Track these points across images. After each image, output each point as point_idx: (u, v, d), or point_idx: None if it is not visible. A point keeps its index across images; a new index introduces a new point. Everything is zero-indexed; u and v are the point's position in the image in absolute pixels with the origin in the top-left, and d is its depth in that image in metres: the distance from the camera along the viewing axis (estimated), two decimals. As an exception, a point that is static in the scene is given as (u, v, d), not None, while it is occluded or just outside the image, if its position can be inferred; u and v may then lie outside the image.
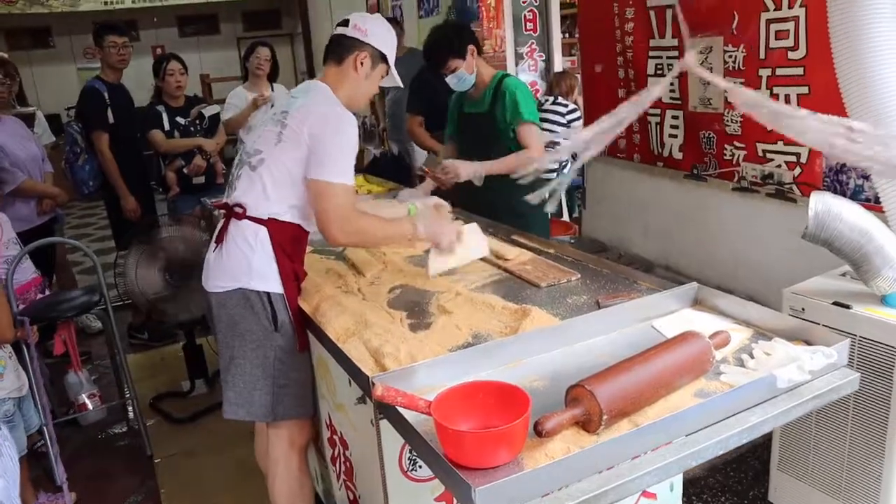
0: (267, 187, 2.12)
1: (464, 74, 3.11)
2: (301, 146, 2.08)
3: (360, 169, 5.96)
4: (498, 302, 2.09)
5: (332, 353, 1.91)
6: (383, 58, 2.25)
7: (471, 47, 3.10)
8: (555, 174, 5.45)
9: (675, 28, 3.47)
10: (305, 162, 2.08)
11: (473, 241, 2.43)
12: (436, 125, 3.87)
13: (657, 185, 3.72)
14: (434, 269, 2.34)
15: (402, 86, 2.40)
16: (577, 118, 5.44)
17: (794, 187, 2.98)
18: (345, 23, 2.26)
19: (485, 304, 2.09)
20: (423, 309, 2.12)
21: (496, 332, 1.90)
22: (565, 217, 5.72)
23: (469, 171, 3.03)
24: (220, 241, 2.17)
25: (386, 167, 5.33)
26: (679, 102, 3.49)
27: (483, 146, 3.16)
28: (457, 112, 3.34)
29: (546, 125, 5.50)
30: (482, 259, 2.57)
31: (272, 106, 2.26)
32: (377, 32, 2.24)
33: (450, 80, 3.13)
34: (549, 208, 2.88)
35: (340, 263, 2.65)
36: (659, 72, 3.60)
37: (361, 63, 2.22)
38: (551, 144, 5.41)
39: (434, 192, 3.23)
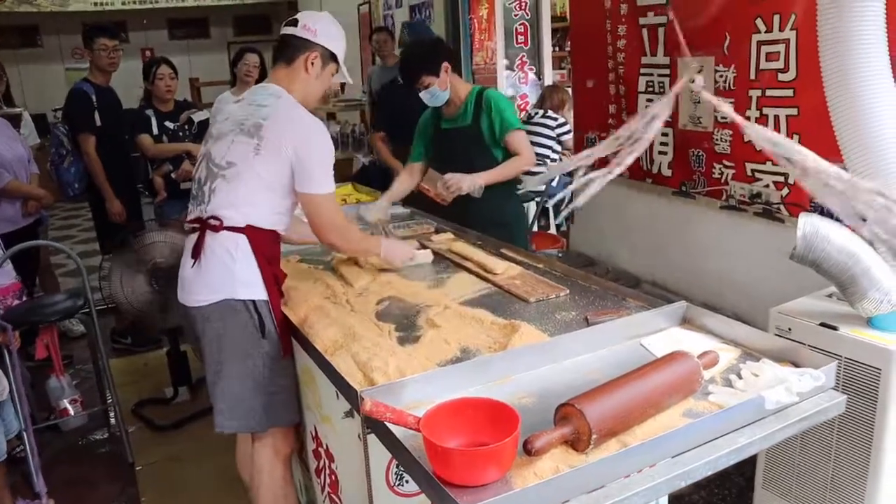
0: (244, 197, 2.14)
1: (437, 91, 3.15)
2: (282, 158, 2.12)
3: (348, 177, 5.97)
4: (487, 317, 2.10)
5: (320, 365, 1.90)
6: (333, 57, 2.30)
7: (445, 64, 3.14)
8: (543, 186, 5.49)
9: (667, 46, 3.49)
10: (288, 173, 2.14)
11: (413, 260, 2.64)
12: (403, 140, 3.88)
13: (646, 201, 3.74)
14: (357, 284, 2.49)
15: (350, 81, 2.48)
16: (567, 132, 5.47)
17: (782, 207, 3.00)
18: (293, 23, 2.27)
19: (474, 318, 2.09)
20: (412, 322, 2.12)
21: (485, 348, 1.90)
22: (552, 230, 5.74)
23: (470, 183, 3.06)
24: (196, 255, 2.17)
25: (375, 176, 5.33)
26: (669, 120, 3.52)
27: (467, 160, 3.19)
28: (432, 129, 3.36)
29: (535, 138, 5.53)
30: (471, 272, 2.58)
31: (227, 114, 2.29)
32: (326, 32, 2.27)
33: (423, 95, 3.17)
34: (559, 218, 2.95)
35: (329, 273, 2.64)
36: (650, 89, 3.62)
37: (312, 63, 2.25)
38: (539, 158, 5.50)
39: (419, 206, 3.29)
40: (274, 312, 2.16)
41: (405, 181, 3.47)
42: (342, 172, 7.15)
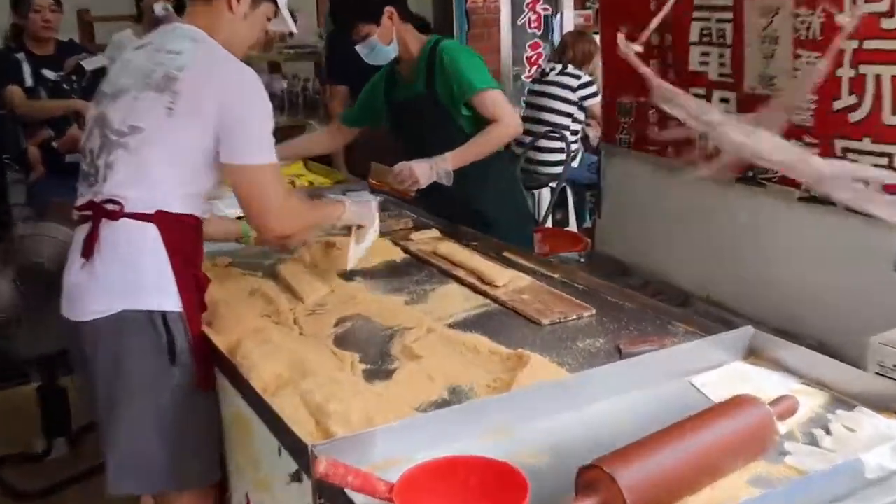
0: (154, 173, 2.14)
1: (377, 45, 3.17)
2: (203, 119, 2.12)
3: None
4: (484, 344, 2.10)
5: (257, 408, 1.89)
6: None
7: (389, 9, 3.16)
8: (560, 167, 5.51)
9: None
10: (211, 139, 2.13)
11: (374, 221, 2.78)
12: None
13: (698, 189, 3.74)
14: (353, 261, 2.70)
15: (294, 31, 2.52)
16: (593, 94, 5.50)
17: (885, 199, 3.02)
18: None
19: (466, 346, 2.10)
20: (383, 350, 2.13)
21: (481, 387, 1.91)
22: (573, 226, 5.76)
23: (426, 173, 3.08)
24: (87, 252, 2.16)
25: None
26: (731, 80, 3.53)
27: (428, 138, 3.21)
28: (383, 101, 3.39)
29: (549, 102, 5.54)
30: (463, 283, 2.61)
31: (122, 59, 2.31)
32: None
33: (360, 49, 3.20)
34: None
35: (270, 283, 2.64)
36: (706, 38, 3.64)
37: (238, 0, 2.25)
38: (554, 130, 5.55)
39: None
40: (190, 329, 2.16)
41: (321, 141, 3.64)
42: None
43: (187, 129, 2.12)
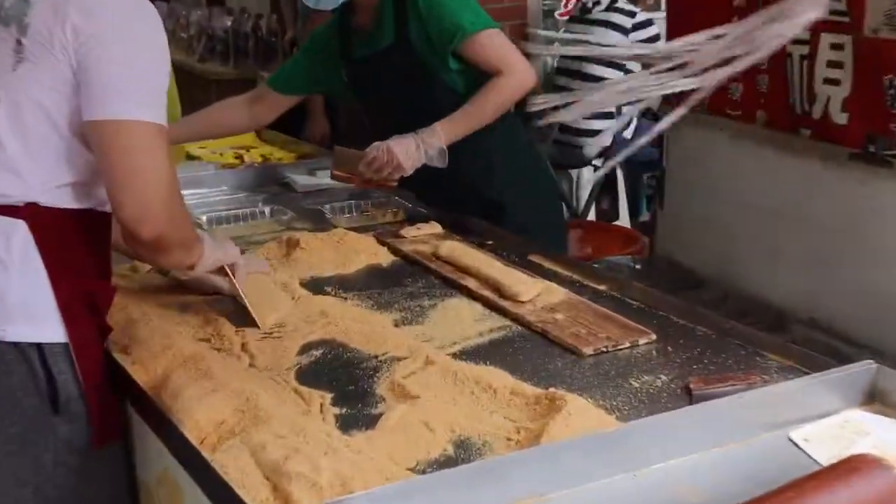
0: (9, 149, 2.12)
1: None
2: (61, 62, 2.07)
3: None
4: (503, 380, 2.11)
5: (191, 468, 1.90)
6: None
7: None
8: (607, 139, 5.51)
9: None
10: (73, 90, 2.09)
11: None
12: None
13: (799, 169, 3.74)
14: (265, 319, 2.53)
15: None
16: (652, 37, 5.50)
17: None
18: None
19: (479, 383, 2.11)
20: (365, 389, 2.15)
21: (499, 440, 1.92)
22: (623, 220, 5.76)
23: (411, 153, 3.10)
24: None
25: (299, 115, 5.34)
26: (846, 21, 3.52)
27: (406, 106, 3.21)
28: (337, 63, 3.42)
29: (594, 49, 5.53)
30: (474, 297, 2.63)
31: None
32: None
33: None
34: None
35: (212, 298, 2.66)
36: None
37: None
38: (589, 81, 5.51)
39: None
40: (81, 366, 2.16)
41: (235, 116, 3.61)
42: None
43: (39, 80, 2.09)
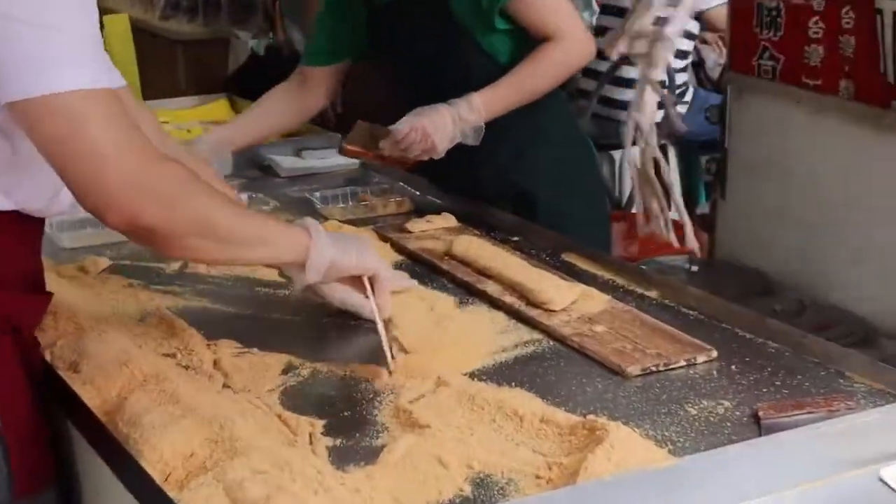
0: None
1: None
2: None
3: (220, 81, 5.96)
4: (531, 406, 2.11)
5: (154, 510, 1.90)
6: None
7: None
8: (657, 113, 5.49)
9: None
10: None
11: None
12: None
13: (893, 152, 3.74)
14: (394, 361, 2.36)
15: None
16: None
17: None
18: None
19: (502, 409, 2.10)
20: (364, 415, 2.15)
21: (527, 477, 1.91)
22: (678, 212, 5.74)
23: (447, 132, 3.10)
24: None
25: (278, 79, 5.35)
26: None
27: (437, 70, 3.20)
28: (362, 10, 3.40)
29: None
30: (497, 305, 2.62)
31: None
32: None
33: None
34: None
35: (180, 303, 2.67)
36: None
37: None
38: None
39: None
40: None
41: (278, 107, 3.58)
42: (211, 69, 7.09)
43: None
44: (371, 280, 2.48)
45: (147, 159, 2.07)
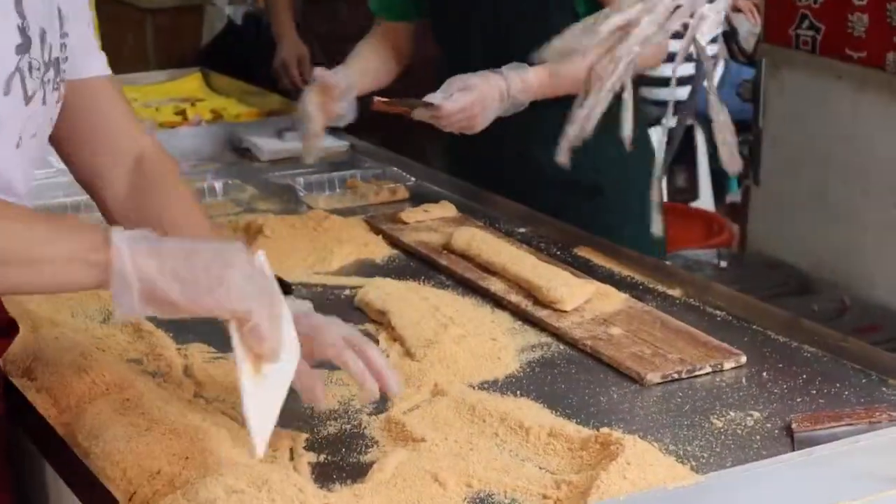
0: None
1: None
2: None
3: (193, 53, 5.96)
4: (538, 417, 2.11)
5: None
6: None
7: None
8: (683, 88, 5.50)
9: None
10: None
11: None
12: None
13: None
14: (261, 442, 1.89)
15: None
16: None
17: None
18: None
19: (505, 420, 2.10)
20: (352, 428, 2.15)
21: (533, 497, 1.91)
22: (705, 200, 5.75)
23: (494, 106, 3.04)
24: None
25: (261, 49, 5.35)
26: None
27: (522, 36, 3.12)
28: None
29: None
30: (501, 307, 2.63)
31: None
32: None
33: None
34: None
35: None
36: None
37: None
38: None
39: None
40: None
41: (374, 58, 3.52)
42: (183, 40, 7.07)
43: None
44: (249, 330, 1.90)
45: None
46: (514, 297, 2.63)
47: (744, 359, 2.34)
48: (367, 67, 3.48)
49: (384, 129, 3.89)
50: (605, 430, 2.03)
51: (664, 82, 5.53)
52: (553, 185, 3.20)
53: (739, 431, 2.09)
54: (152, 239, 1.89)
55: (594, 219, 3.10)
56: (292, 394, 2.07)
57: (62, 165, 3.14)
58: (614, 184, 3.34)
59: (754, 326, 2.51)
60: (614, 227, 3.06)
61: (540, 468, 1.98)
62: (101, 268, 1.83)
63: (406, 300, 2.63)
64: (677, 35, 2.47)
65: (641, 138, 3.47)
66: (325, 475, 1.99)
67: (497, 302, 2.66)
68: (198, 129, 4.12)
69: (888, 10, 3.86)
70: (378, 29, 3.55)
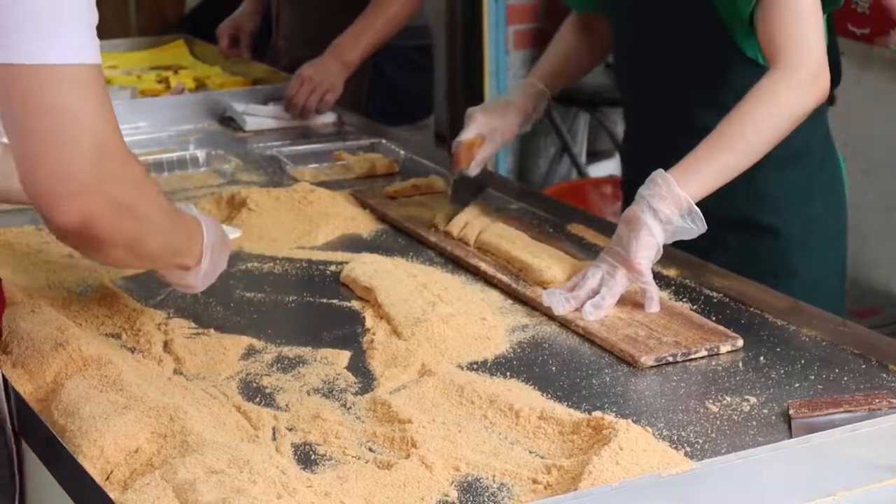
0: None
1: None
2: None
3: (175, 20, 5.94)
4: (528, 400, 2.11)
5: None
6: None
7: None
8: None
9: None
10: None
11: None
12: None
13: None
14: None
15: None
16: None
17: None
18: None
19: (494, 402, 2.10)
20: (335, 410, 2.12)
21: (522, 481, 1.90)
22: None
23: (652, 256, 2.59)
24: None
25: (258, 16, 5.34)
26: None
27: (674, 65, 2.95)
28: None
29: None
30: (492, 285, 2.64)
31: None
32: None
33: None
34: None
35: (127, 275, 2.66)
36: None
37: None
38: None
39: None
40: None
41: (575, 58, 3.34)
42: (166, 6, 7.08)
43: None
44: None
45: (124, 161, 2.06)
46: (504, 276, 2.63)
47: (740, 342, 2.34)
48: (570, 63, 3.37)
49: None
50: (597, 413, 2.03)
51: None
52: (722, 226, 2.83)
53: (735, 417, 2.09)
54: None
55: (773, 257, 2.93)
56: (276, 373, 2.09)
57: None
58: (793, 228, 3.02)
59: (752, 309, 2.51)
60: (779, 274, 2.86)
61: (530, 452, 1.98)
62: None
63: (393, 277, 2.62)
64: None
65: (832, 174, 3.16)
66: (307, 456, 1.98)
67: (486, 279, 2.65)
68: (180, 97, 4.10)
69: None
70: (575, 21, 3.44)
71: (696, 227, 2.55)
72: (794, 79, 2.66)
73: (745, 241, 2.96)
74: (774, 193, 2.95)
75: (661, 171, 2.55)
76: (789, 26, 2.68)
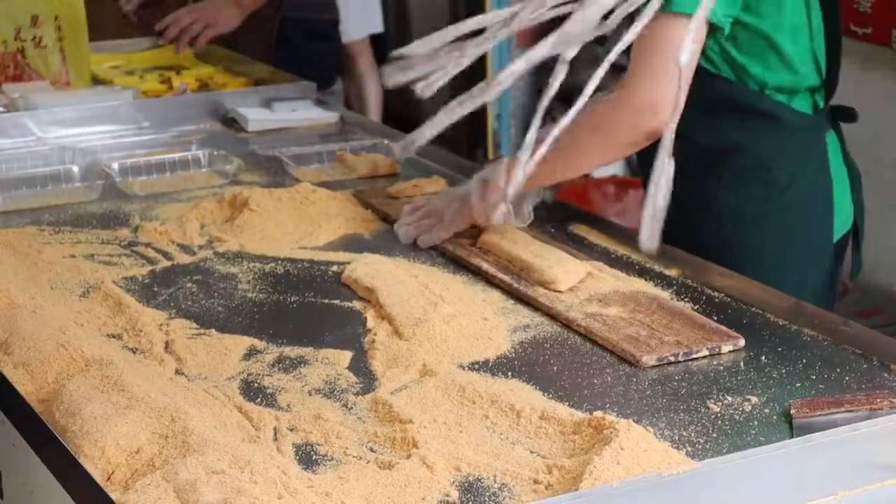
0: None
1: None
2: None
3: None
4: (530, 400, 2.11)
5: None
6: None
7: None
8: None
9: None
10: None
11: None
12: None
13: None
14: None
15: None
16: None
17: None
18: None
19: (496, 402, 2.11)
20: (336, 410, 2.12)
21: (523, 482, 1.91)
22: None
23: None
24: None
25: (245, 18, 5.32)
26: None
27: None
28: None
29: None
30: (494, 285, 2.63)
31: None
32: None
33: None
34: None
35: (129, 276, 2.66)
36: None
37: None
38: None
39: None
40: None
41: None
42: (169, 7, 7.05)
43: None
44: None
45: None
46: (506, 276, 2.63)
47: (742, 342, 2.35)
48: None
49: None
50: (598, 413, 2.03)
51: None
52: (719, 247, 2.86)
53: (737, 417, 2.10)
54: None
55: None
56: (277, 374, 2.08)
57: (42, 134, 3.16)
58: (775, 251, 2.94)
59: (753, 309, 2.52)
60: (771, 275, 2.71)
61: (531, 452, 1.98)
62: None
63: (395, 277, 2.62)
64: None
65: (822, 190, 3.00)
66: (309, 456, 1.99)
67: (489, 280, 2.65)
68: (182, 98, 4.09)
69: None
70: None
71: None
72: (621, 101, 2.70)
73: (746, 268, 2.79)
74: (732, 206, 2.90)
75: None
76: (641, 49, 2.65)
